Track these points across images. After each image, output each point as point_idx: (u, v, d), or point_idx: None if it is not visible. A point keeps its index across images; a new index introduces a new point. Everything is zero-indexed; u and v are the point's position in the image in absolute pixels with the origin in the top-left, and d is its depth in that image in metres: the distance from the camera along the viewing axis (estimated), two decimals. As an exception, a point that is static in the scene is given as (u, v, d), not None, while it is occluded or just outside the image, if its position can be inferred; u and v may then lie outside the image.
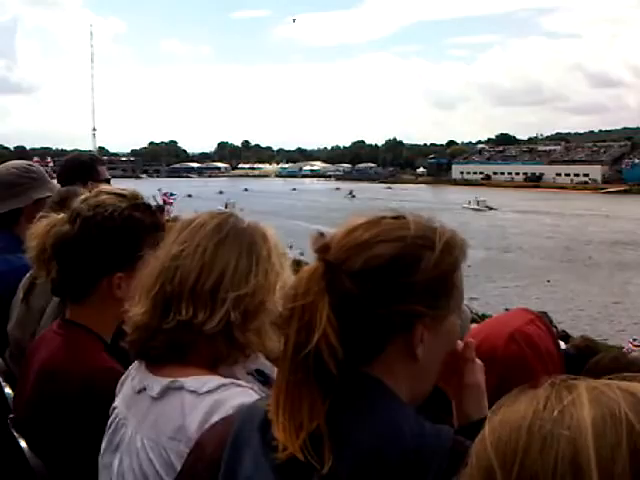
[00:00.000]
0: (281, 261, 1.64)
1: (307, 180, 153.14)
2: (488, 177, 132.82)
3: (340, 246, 1.16)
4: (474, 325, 4.63)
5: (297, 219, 48.47)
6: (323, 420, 1.09)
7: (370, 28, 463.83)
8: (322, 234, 1.20)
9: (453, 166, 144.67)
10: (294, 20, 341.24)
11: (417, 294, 1.15)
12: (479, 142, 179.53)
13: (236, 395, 1.46)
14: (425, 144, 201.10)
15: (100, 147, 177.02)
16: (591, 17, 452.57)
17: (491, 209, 72.06)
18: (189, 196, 71.47)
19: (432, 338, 1.18)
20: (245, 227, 1.64)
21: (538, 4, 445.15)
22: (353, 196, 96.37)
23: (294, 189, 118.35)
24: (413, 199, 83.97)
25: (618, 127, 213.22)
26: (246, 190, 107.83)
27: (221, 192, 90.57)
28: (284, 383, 1.14)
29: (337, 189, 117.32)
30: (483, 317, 10.10)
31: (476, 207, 71.44)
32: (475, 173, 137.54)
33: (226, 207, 55.13)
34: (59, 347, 1.99)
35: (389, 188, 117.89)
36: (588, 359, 3.66)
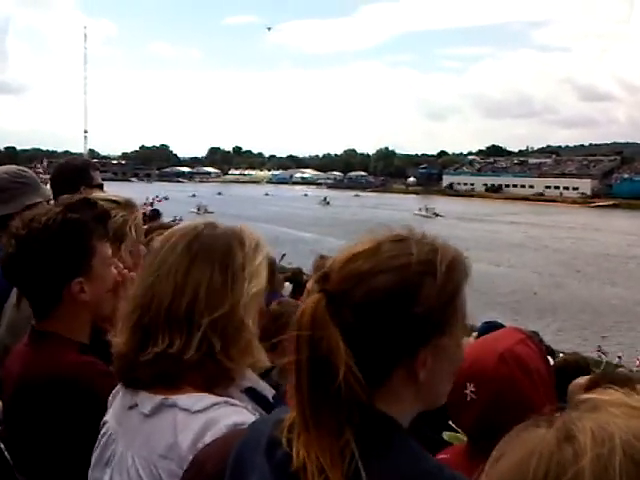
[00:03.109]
0: (257, 267, 1.59)
1: (297, 187, 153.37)
2: (451, 186, 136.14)
3: (340, 276, 1.16)
4: (464, 339, 4.64)
5: (266, 222, 49.44)
6: (349, 456, 1.08)
7: (362, 37, 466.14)
8: (323, 257, 1.21)
9: (444, 176, 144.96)
10: (269, 29, 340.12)
11: (418, 323, 1.14)
12: (470, 153, 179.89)
13: (229, 414, 1.45)
14: (416, 154, 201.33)
15: (91, 149, 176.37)
16: (581, 31, 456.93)
17: (437, 216, 77.57)
18: (166, 199, 72.67)
19: (436, 361, 1.18)
20: (219, 237, 1.58)
21: (530, 17, 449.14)
22: (327, 203, 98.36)
23: (267, 194, 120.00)
24: (379, 206, 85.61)
25: (608, 141, 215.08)
26: (219, 194, 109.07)
27: (194, 195, 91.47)
28: (305, 417, 1.12)
29: (305, 195, 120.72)
30: (472, 329, 10.08)
31: (425, 214, 77.22)
32: (465, 184, 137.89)
33: (199, 209, 56.49)
34: (31, 359, 1.97)
35: (357, 196, 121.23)
36: (578, 374, 3.70)
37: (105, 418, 1.65)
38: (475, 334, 6.17)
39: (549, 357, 4.56)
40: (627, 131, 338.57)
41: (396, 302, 1.13)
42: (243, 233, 1.62)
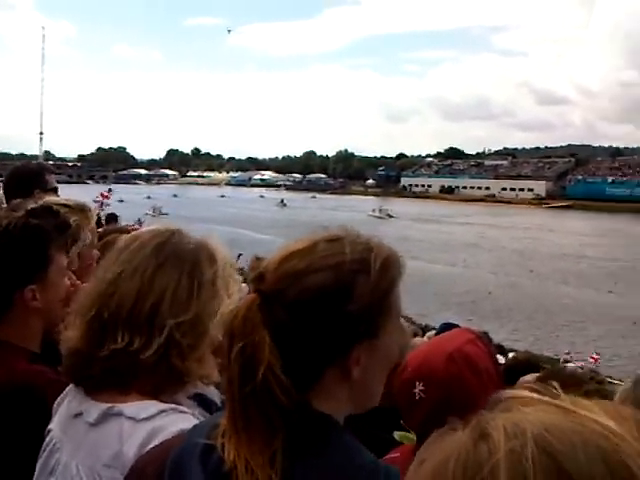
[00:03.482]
0: (228, 285, 1.58)
1: (256, 189, 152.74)
2: (405, 188, 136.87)
3: (275, 276, 1.16)
4: (417, 339, 4.71)
5: (222, 224, 50.15)
6: (280, 456, 1.09)
7: (325, 40, 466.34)
8: (259, 259, 1.21)
9: (402, 178, 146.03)
10: (229, 31, 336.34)
11: (352, 321, 1.15)
12: (428, 155, 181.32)
13: (176, 421, 1.43)
14: (375, 156, 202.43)
15: (46, 151, 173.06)
16: (539, 36, 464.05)
17: (391, 217, 78.26)
18: (120, 201, 70.92)
19: (369, 359, 1.19)
20: (189, 247, 1.57)
21: (490, 22, 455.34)
22: (284, 205, 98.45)
23: (222, 196, 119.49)
24: (337, 208, 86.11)
25: (563, 143, 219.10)
26: (175, 196, 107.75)
27: (149, 197, 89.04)
28: (234, 419, 1.14)
29: (262, 197, 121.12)
30: (426, 328, 10.22)
31: (378, 215, 77.88)
32: (423, 186, 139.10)
33: (153, 211, 55.76)
34: None
35: (314, 197, 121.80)
36: (527, 372, 3.80)
37: (50, 426, 1.62)
38: (431, 333, 6.26)
39: (501, 356, 4.65)
40: (582, 134, 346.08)
41: (330, 300, 1.14)
42: (213, 248, 1.61)
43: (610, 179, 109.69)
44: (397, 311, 1.25)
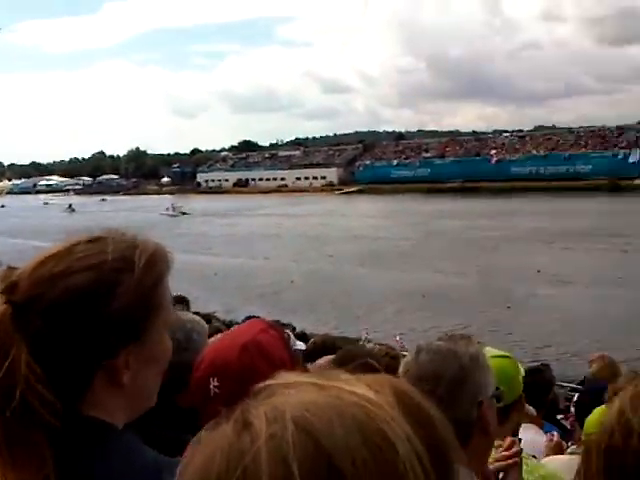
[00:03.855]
0: None
1: (42, 196, 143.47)
2: (199, 184, 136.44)
3: (29, 283, 1.10)
4: (220, 335, 4.71)
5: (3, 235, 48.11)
6: (54, 477, 1.04)
7: (108, 35, 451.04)
8: (12, 267, 1.14)
9: (198, 174, 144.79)
10: None
11: (115, 323, 1.10)
12: (223, 149, 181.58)
13: None
14: (169, 153, 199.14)
15: None
16: (322, 26, 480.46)
17: (185, 214, 75.92)
18: None
19: (140, 361, 1.16)
20: None
21: (275, 13, 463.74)
22: (73, 210, 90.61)
23: (2, 206, 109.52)
24: (133, 209, 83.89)
25: (351, 131, 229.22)
26: None
27: None
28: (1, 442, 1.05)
29: (46, 204, 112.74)
30: (231, 324, 10.27)
31: (172, 213, 75.11)
32: (220, 180, 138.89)
33: None
34: None
35: (104, 200, 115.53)
36: (323, 354, 3.96)
37: None
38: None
39: (302, 342, 4.80)
40: (367, 120, 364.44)
41: (90, 302, 1.09)
42: None
43: (395, 162, 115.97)
44: (165, 309, 1.21)
